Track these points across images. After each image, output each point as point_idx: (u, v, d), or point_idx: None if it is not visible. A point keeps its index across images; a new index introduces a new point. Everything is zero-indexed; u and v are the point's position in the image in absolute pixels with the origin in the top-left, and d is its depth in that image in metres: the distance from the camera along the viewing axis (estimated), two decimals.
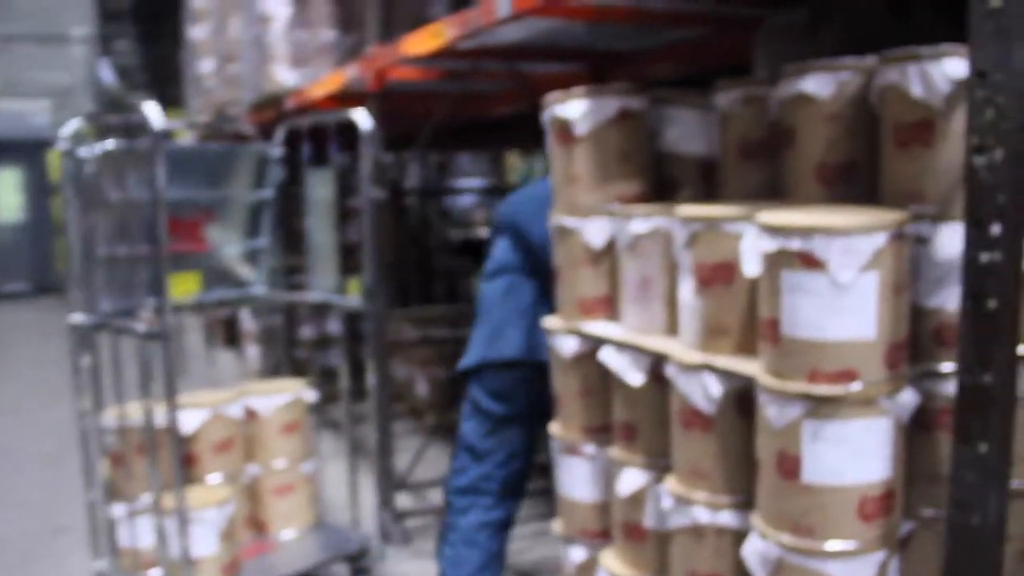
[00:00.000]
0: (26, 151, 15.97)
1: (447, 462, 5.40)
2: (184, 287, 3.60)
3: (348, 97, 5.21)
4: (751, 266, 1.88)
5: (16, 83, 16.09)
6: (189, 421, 3.49)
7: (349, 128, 3.98)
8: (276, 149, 4.12)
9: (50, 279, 16.02)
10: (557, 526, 2.71)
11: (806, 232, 1.70)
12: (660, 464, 2.29)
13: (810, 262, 1.70)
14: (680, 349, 2.11)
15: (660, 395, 2.25)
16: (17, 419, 7.02)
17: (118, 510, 3.53)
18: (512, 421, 3.04)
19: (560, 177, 2.51)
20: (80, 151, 3.39)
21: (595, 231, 2.43)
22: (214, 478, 3.64)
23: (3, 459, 5.93)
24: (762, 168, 2.33)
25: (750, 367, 1.91)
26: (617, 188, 2.44)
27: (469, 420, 3.12)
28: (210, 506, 3.41)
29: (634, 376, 2.27)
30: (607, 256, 2.45)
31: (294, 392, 3.96)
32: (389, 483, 4.32)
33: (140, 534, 3.45)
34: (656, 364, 2.24)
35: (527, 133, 8.70)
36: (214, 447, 3.65)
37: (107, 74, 16.87)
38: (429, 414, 6.17)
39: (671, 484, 2.16)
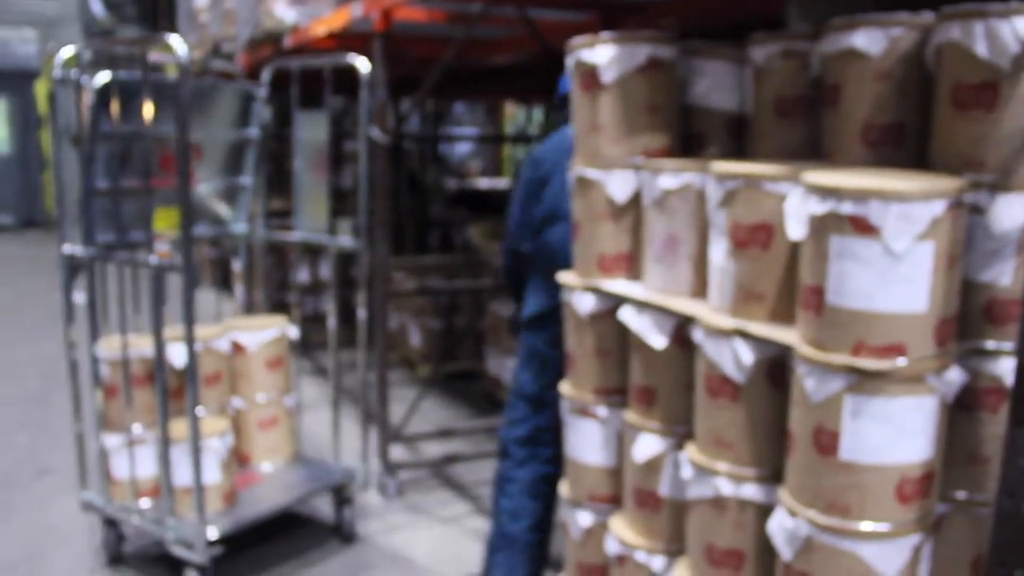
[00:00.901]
0: (11, 81, 15.61)
1: (441, 415, 5.34)
2: (170, 221, 3.55)
3: (350, 37, 5.05)
4: (795, 229, 1.77)
5: (1, 10, 15.71)
6: (180, 354, 3.41)
7: (344, 71, 3.85)
8: (261, 89, 4.06)
9: (37, 212, 15.79)
10: (563, 489, 2.63)
11: (860, 195, 1.59)
12: (679, 431, 2.20)
13: (863, 227, 1.60)
14: (709, 313, 2.01)
15: (683, 359, 2.16)
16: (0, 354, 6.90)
17: (111, 441, 3.49)
18: None
19: (583, 126, 2.39)
20: (82, 80, 3.23)
21: (619, 184, 2.31)
22: (200, 411, 3.59)
23: None
24: (799, 126, 2.22)
25: (787, 335, 1.82)
26: (643, 140, 2.32)
27: (526, 370, 3.03)
28: (214, 436, 3.40)
29: (656, 338, 2.17)
30: (630, 211, 2.33)
31: (279, 328, 3.96)
32: (385, 435, 4.23)
33: (138, 464, 3.42)
34: (680, 327, 2.15)
35: (527, 83, 8.53)
36: (203, 380, 3.63)
37: (96, 5, 16.47)
38: (422, 365, 6.08)
39: (692, 452, 2.07)
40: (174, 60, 2.98)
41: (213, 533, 3.21)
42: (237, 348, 3.87)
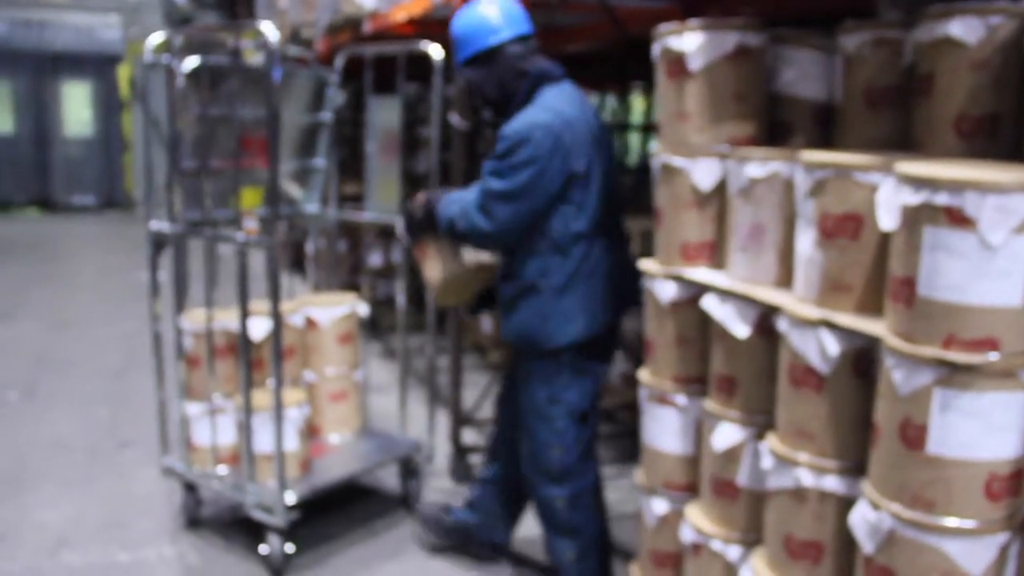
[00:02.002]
0: (95, 65, 15.98)
1: None
2: (252, 200, 3.65)
3: (429, 23, 5.08)
4: (887, 219, 1.75)
5: None
6: (260, 327, 3.51)
7: (418, 58, 3.90)
8: (335, 75, 4.16)
9: (117, 193, 16.16)
10: (638, 476, 2.64)
11: (956, 186, 1.57)
12: (759, 421, 2.20)
13: (958, 219, 1.58)
14: (795, 303, 2.00)
15: (766, 349, 2.15)
16: (83, 332, 7.10)
17: (193, 409, 3.64)
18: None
19: (668, 113, 2.39)
20: (172, 64, 3.37)
21: (704, 173, 2.31)
22: (273, 383, 3.66)
23: (70, 372, 5.99)
24: (889, 117, 2.19)
25: (875, 327, 1.80)
26: (729, 129, 2.32)
27: (574, 386, 2.85)
28: (293, 406, 3.50)
29: (739, 327, 2.17)
30: (715, 200, 2.33)
31: (350, 305, 4.08)
32: (457, 418, 4.27)
33: (219, 431, 3.56)
34: (764, 316, 2.14)
35: (601, 70, 8.52)
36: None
37: None
38: (493, 351, 6.11)
39: (773, 442, 2.06)
40: (254, 46, 3.02)
41: (291, 498, 3.30)
42: (310, 323, 3.97)
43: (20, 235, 12.64)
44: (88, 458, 4.50)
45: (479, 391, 4.89)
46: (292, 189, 4.12)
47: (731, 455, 2.25)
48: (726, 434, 2.23)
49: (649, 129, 10.83)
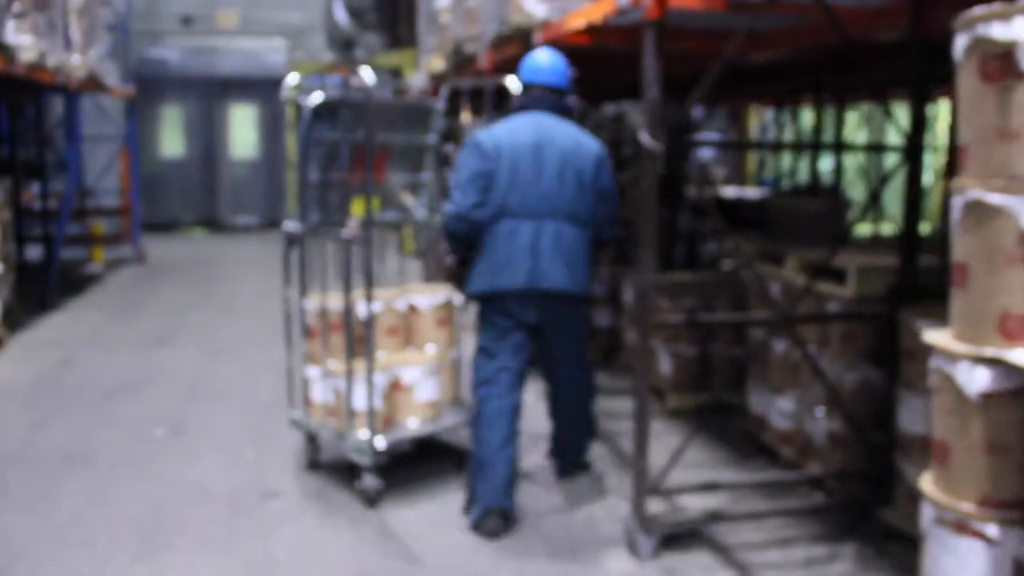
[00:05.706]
0: (261, 89, 16.21)
1: (694, 457, 4.69)
2: (362, 207, 4.39)
3: (608, 31, 4.53)
4: None
5: (252, 21, 16.39)
6: (361, 308, 4.35)
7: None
8: (440, 103, 5.04)
9: (280, 213, 16.32)
10: None
11: None
12: None
13: None
14: None
15: None
16: (236, 359, 6.87)
17: (312, 372, 4.63)
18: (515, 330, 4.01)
19: (982, 131, 1.72)
20: (299, 100, 4.45)
21: None
22: (381, 355, 4.59)
23: (219, 405, 5.71)
24: None
25: None
26: None
27: (479, 329, 4.08)
28: (378, 372, 4.35)
29: None
30: None
31: (447, 295, 4.92)
32: (642, 487, 3.65)
33: (328, 391, 4.53)
34: None
35: (784, 83, 7.79)
36: (384, 331, 4.69)
37: (340, 13, 16.89)
38: (672, 395, 5.46)
39: None
40: (370, 84, 4.09)
41: (381, 443, 4.20)
42: (412, 309, 4.84)
43: (185, 255, 12.98)
44: (229, 510, 4.13)
45: (666, 451, 4.26)
46: (406, 199, 4.96)
47: None
48: None
49: (798, 148, 10.14)
